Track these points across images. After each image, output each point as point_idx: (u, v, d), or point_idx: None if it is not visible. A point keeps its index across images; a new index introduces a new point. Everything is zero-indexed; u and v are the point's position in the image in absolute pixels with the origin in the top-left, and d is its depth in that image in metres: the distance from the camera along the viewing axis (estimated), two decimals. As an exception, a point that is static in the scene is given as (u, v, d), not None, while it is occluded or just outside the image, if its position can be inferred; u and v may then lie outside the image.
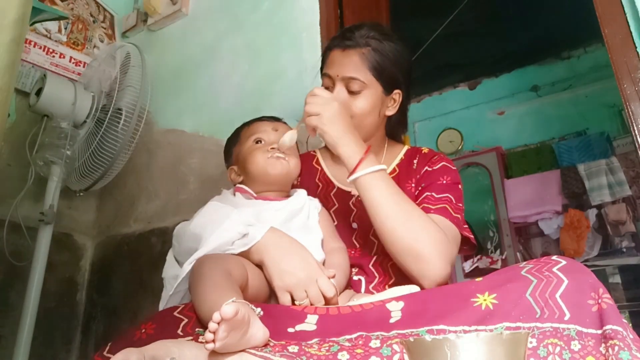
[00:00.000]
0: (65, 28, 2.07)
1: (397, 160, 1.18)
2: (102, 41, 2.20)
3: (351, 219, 1.12)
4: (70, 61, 2.06)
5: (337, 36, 1.13)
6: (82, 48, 2.12)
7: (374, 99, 1.08)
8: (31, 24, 1.76)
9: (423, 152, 1.18)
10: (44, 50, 1.98)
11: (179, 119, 2.06)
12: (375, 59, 1.06)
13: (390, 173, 1.15)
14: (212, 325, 0.59)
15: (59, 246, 1.91)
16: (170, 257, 1.04)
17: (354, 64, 1.06)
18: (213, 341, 0.60)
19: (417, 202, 1.07)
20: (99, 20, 2.22)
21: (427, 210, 1.01)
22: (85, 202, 2.12)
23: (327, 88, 1.09)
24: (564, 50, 4.07)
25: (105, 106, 1.73)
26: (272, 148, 1.07)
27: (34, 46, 1.95)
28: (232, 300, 0.65)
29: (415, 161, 1.15)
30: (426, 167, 1.12)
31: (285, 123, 1.18)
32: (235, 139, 1.17)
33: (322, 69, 1.14)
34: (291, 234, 0.95)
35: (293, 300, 0.87)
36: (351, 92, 1.06)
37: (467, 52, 3.97)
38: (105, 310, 1.97)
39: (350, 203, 1.13)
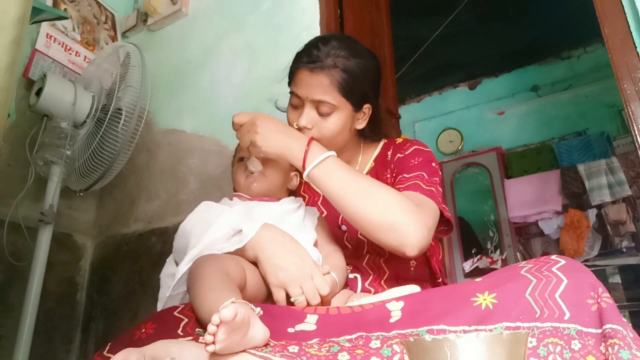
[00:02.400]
0: (78, 27, 2.08)
1: (373, 156, 1.19)
2: (107, 43, 2.21)
3: (339, 222, 1.13)
4: (84, 60, 2.06)
5: (304, 54, 1.07)
6: (93, 49, 2.12)
7: (344, 119, 1.07)
8: (31, 23, 1.76)
9: (397, 142, 1.19)
10: (62, 47, 1.98)
11: (179, 119, 2.07)
12: (344, 80, 1.03)
13: (369, 169, 1.17)
14: (211, 328, 0.59)
15: (59, 246, 1.91)
16: (170, 258, 1.05)
17: (322, 87, 1.03)
18: (213, 343, 0.60)
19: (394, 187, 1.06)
20: (101, 21, 2.22)
21: (398, 190, 0.99)
22: (85, 202, 2.12)
23: (295, 107, 1.08)
24: (564, 50, 4.08)
25: (105, 106, 1.73)
26: (251, 172, 1.08)
27: (54, 41, 1.95)
28: (231, 301, 0.65)
29: (389, 152, 1.16)
30: (398, 154, 1.13)
31: None
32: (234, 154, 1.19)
33: (289, 83, 1.12)
34: (284, 231, 0.95)
35: (288, 297, 0.87)
36: (320, 114, 1.05)
37: (467, 52, 3.97)
38: (105, 310, 1.96)
39: None
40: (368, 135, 1.21)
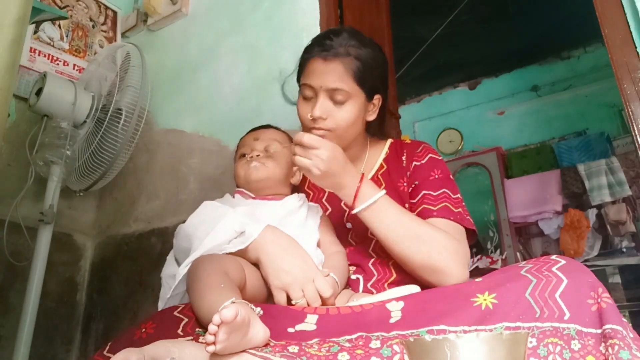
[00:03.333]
0: (67, 35, 2.08)
1: (382, 155, 1.19)
2: (101, 47, 2.21)
3: (345, 220, 1.12)
4: (73, 68, 2.07)
5: (315, 44, 1.09)
6: (83, 55, 2.12)
7: (358, 108, 1.07)
8: (31, 24, 1.76)
9: (407, 143, 1.19)
10: (48, 59, 1.99)
11: (179, 119, 2.06)
12: (357, 68, 1.04)
13: (378, 170, 1.16)
14: (212, 328, 0.59)
15: (59, 246, 1.91)
16: (170, 256, 1.05)
17: (337, 75, 1.04)
18: (213, 343, 0.60)
19: (414, 200, 1.08)
20: (98, 23, 2.22)
21: (429, 212, 1.03)
22: (85, 202, 2.12)
23: (308, 98, 1.08)
24: (564, 50, 4.08)
25: (105, 106, 1.73)
26: (250, 157, 1.08)
27: (39, 54, 1.96)
28: (231, 301, 0.65)
29: (403, 157, 1.15)
30: (414, 162, 1.13)
31: (272, 127, 1.19)
32: (235, 152, 1.20)
33: (299, 77, 1.12)
34: (287, 232, 0.95)
35: (289, 299, 0.87)
36: (335, 102, 1.05)
37: (467, 52, 3.97)
38: (105, 310, 1.96)
39: (342, 204, 1.13)
40: (375, 131, 1.21)
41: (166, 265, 1.04)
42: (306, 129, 1.09)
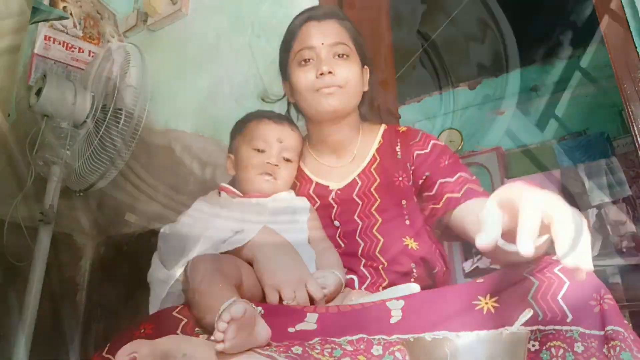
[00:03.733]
0: (79, 23, 2.06)
1: (375, 145, 1.12)
2: (112, 37, 2.20)
3: (333, 217, 1.06)
4: (89, 55, 2.05)
5: (305, 14, 1.09)
6: (97, 42, 2.11)
7: (358, 67, 1.08)
8: (31, 24, 1.76)
9: (402, 131, 1.13)
10: (63, 46, 1.97)
11: (179, 119, 2.06)
12: (350, 28, 1.08)
13: (371, 162, 1.10)
14: (221, 325, 0.59)
15: (59, 246, 1.90)
16: (155, 259, 1.03)
17: (336, 30, 1.06)
18: (222, 341, 0.60)
19: (431, 193, 1.02)
20: (104, 17, 2.22)
21: (455, 201, 0.98)
22: (85, 202, 2.12)
23: (306, 62, 1.05)
24: (564, 50, 4.08)
25: (105, 106, 1.73)
26: (268, 163, 1.04)
27: (54, 42, 1.94)
28: (232, 301, 0.65)
29: (397, 148, 1.09)
30: (416, 152, 1.07)
31: (293, 124, 1.14)
32: (241, 127, 1.12)
33: (291, 47, 1.08)
34: (277, 228, 0.95)
35: (281, 299, 0.86)
36: (340, 56, 1.04)
37: (467, 52, 3.97)
38: (105, 310, 1.96)
39: (330, 199, 1.08)
40: (367, 112, 1.17)
41: (154, 269, 1.02)
42: (310, 94, 1.04)
